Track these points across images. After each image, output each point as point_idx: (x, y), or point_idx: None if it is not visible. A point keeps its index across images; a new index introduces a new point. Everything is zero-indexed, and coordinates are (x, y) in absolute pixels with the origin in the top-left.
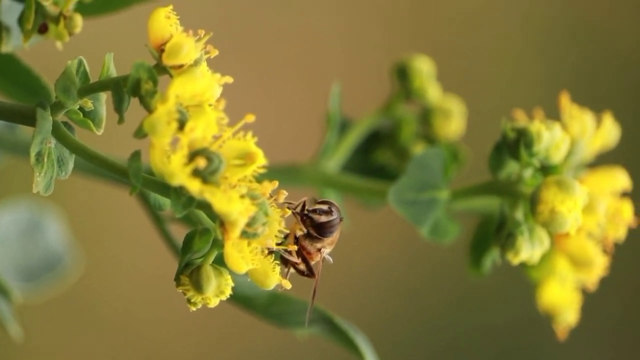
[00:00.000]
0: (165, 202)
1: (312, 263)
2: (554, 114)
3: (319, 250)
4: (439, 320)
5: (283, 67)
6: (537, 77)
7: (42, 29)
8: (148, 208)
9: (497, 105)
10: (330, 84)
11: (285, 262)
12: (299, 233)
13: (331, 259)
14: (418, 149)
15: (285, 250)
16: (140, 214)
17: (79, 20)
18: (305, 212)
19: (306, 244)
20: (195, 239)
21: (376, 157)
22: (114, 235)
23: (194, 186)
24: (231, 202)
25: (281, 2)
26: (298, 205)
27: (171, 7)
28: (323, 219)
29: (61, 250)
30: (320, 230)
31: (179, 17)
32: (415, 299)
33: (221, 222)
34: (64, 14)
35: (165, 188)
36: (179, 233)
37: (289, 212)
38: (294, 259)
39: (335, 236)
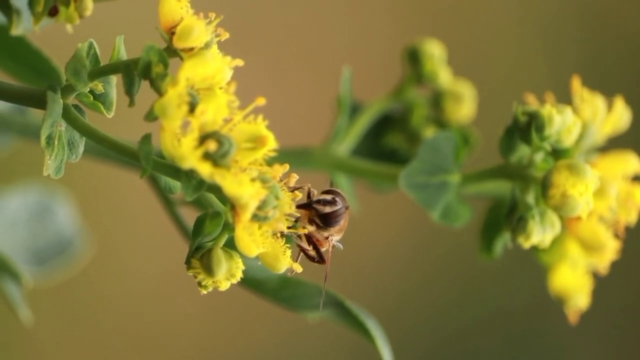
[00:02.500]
0: (176, 185)
1: (322, 250)
2: (559, 97)
3: (327, 238)
4: (449, 305)
5: (293, 51)
6: (542, 60)
7: (53, 12)
8: (158, 191)
9: (501, 89)
10: (340, 67)
11: (296, 246)
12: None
13: (341, 246)
14: (429, 132)
15: (296, 235)
16: (151, 197)
17: (89, 3)
18: (309, 202)
19: (314, 232)
20: (206, 222)
21: (387, 141)
22: (124, 218)
23: (205, 169)
24: (242, 185)
25: None
26: (307, 190)
27: None
28: (327, 209)
29: (71, 234)
30: (325, 221)
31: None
32: (426, 284)
33: (232, 205)
34: None
35: (175, 171)
36: (189, 216)
37: (300, 196)
38: (305, 244)
39: (342, 225)
